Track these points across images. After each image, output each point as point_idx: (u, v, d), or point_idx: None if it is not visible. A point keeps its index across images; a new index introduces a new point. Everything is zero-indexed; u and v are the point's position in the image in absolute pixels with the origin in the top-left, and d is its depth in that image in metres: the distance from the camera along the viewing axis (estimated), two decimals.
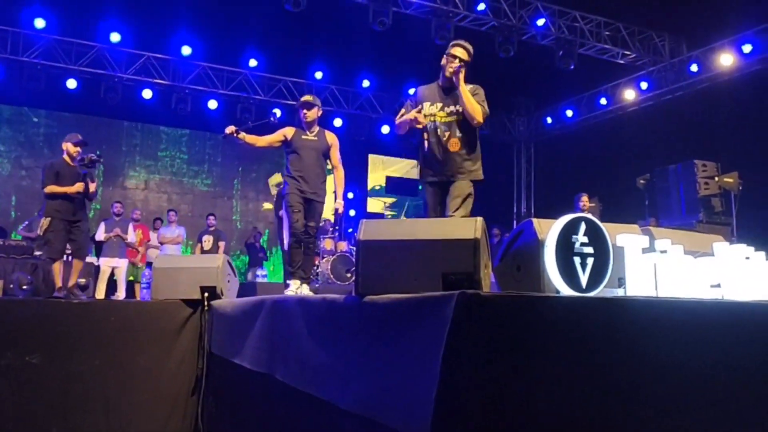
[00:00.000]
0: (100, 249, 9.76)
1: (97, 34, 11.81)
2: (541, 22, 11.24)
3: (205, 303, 4.71)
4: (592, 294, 2.21)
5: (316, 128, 5.51)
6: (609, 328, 1.94)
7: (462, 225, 2.38)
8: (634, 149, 11.59)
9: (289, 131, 5.45)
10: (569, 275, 2.18)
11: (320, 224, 5.50)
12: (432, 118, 4.39)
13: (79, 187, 6.41)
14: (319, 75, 13.49)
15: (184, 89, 12.72)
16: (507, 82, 12.16)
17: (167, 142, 14.27)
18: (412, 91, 4.88)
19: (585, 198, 9.27)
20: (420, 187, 4.73)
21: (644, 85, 12.61)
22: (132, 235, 9.97)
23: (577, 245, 2.21)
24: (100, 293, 9.16)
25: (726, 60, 10.99)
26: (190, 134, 14.35)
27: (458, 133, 4.32)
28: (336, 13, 10.70)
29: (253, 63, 13.12)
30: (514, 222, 15.24)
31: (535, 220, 2.41)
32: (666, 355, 1.95)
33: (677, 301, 2.14)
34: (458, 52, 4.36)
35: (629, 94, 12.83)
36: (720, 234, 7.50)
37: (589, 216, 2.25)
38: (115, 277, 9.68)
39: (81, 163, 6.48)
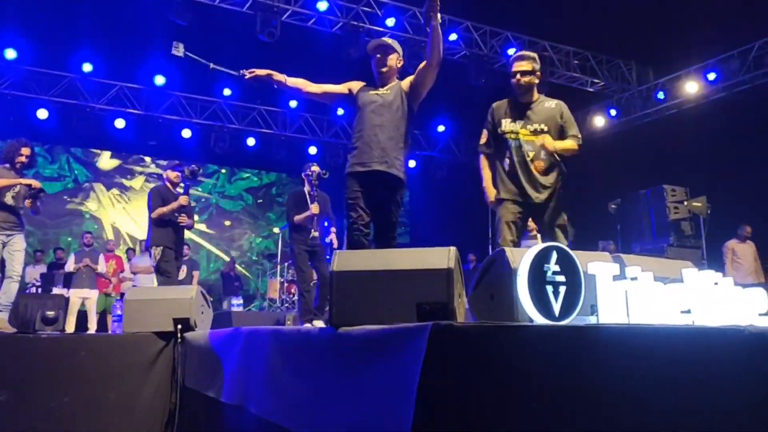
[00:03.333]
0: (69, 280, 9.62)
1: (69, 65, 11.76)
2: (511, 51, 11.45)
3: (179, 335, 4.64)
4: (564, 322, 2.22)
5: (394, 82, 4.14)
6: (582, 355, 1.95)
7: (435, 255, 2.39)
8: (605, 175, 11.76)
9: (355, 84, 4.21)
10: (542, 304, 2.20)
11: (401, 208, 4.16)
12: (514, 136, 4.22)
13: (183, 200, 6.45)
14: (293, 104, 13.54)
15: (157, 118, 12.68)
16: (480, 110, 12.27)
17: (140, 172, 14.16)
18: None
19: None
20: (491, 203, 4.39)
21: (613, 112, 12.88)
22: (103, 265, 9.87)
23: (549, 274, 2.23)
24: (70, 326, 8.98)
25: (692, 87, 11.29)
26: (163, 163, 14.26)
27: (543, 154, 4.22)
28: (309, 43, 10.78)
29: (227, 92, 13.13)
30: (490, 248, 15.27)
31: (507, 249, 2.43)
32: (639, 381, 1.97)
33: (649, 328, 2.16)
34: (522, 66, 4.21)
35: (599, 121, 13.06)
36: (690, 257, 7.63)
37: (561, 245, 2.27)
38: (85, 309, 9.55)
39: (182, 174, 6.53)
